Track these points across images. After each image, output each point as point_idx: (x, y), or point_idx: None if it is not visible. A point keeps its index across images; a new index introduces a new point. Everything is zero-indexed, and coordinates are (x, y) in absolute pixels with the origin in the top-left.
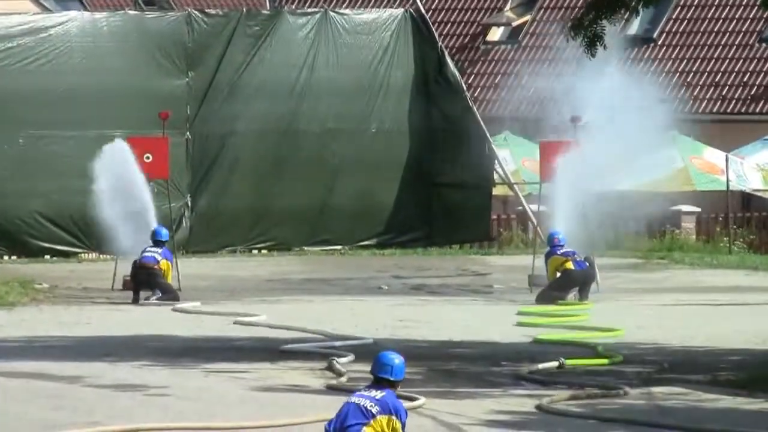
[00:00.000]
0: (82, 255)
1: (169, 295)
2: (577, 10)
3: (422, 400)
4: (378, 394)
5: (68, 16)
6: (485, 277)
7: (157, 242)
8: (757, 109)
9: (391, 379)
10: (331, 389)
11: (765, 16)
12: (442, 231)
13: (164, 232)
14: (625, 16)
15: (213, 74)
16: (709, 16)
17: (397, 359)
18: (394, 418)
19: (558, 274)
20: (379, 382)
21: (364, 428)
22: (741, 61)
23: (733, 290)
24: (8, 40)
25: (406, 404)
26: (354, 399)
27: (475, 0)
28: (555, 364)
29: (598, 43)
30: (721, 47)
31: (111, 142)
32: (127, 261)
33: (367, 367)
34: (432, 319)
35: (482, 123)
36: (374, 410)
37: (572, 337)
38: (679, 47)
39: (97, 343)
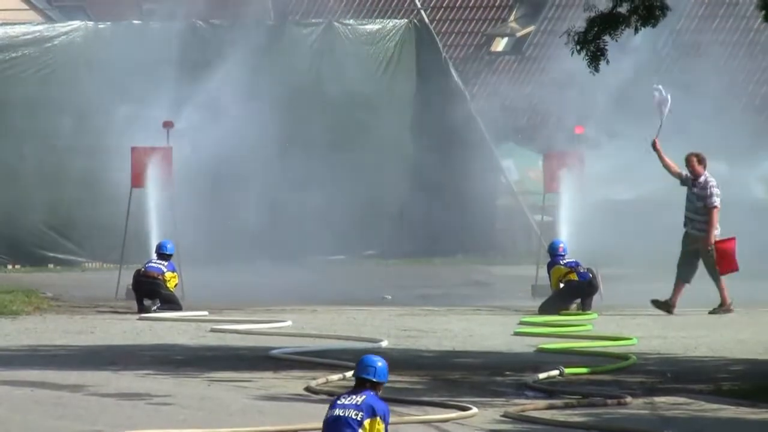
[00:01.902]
0: (86, 264)
1: (172, 305)
2: (580, 22)
3: (474, 410)
4: (359, 399)
5: (73, 26)
6: (489, 286)
7: (162, 255)
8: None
9: (374, 380)
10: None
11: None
12: (445, 240)
13: (170, 246)
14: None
15: (217, 84)
16: (713, 27)
17: (380, 362)
18: (378, 418)
19: (561, 285)
20: (361, 383)
21: None
22: (744, 73)
23: (737, 300)
24: (13, 49)
25: (459, 413)
26: (338, 411)
27: (479, 11)
28: (556, 372)
29: (601, 58)
30: (723, 59)
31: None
32: (131, 270)
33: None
34: (435, 329)
35: (486, 133)
36: (359, 417)
37: (578, 346)
38: (681, 58)
39: (101, 351)
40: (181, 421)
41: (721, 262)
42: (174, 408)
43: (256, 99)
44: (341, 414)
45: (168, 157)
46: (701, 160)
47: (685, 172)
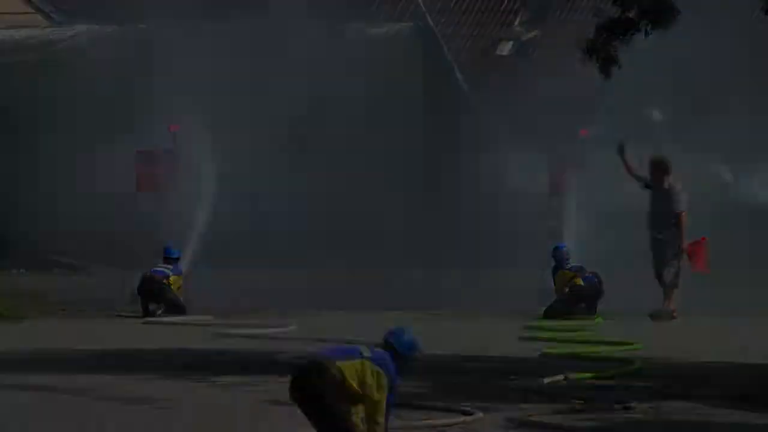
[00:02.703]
0: (91, 268)
1: (177, 309)
2: (586, 26)
3: (479, 414)
4: (379, 350)
5: (77, 29)
6: (494, 291)
7: (167, 259)
8: None
9: (394, 344)
10: None
11: None
12: (450, 244)
13: (175, 250)
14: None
15: (219, 86)
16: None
17: (406, 333)
18: (383, 372)
19: (566, 289)
20: (384, 345)
21: (345, 362)
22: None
23: (742, 304)
24: (18, 53)
25: (464, 418)
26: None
27: (484, 14)
28: (561, 377)
29: (613, 64)
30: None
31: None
32: (137, 274)
33: None
34: (441, 333)
35: (491, 136)
36: (366, 354)
37: (584, 350)
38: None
39: (106, 356)
40: (187, 425)
41: (694, 261)
42: (180, 412)
43: (259, 102)
44: (356, 345)
45: (173, 160)
46: (659, 165)
47: (648, 176)
